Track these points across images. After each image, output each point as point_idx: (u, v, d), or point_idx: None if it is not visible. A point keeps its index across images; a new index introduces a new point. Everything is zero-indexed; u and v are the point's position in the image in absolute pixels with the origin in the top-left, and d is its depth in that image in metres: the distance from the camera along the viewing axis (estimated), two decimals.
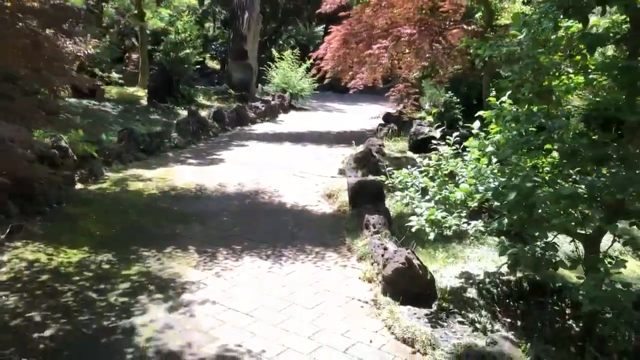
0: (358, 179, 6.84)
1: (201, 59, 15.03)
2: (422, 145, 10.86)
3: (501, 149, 4.07)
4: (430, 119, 11.57)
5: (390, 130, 11.57)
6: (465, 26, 8.18)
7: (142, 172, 8.58)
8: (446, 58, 7.61)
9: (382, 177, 5.93)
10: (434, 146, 5.65)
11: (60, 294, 4.43)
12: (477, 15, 11.14)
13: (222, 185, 8.06)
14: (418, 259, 4.53)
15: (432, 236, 4.25)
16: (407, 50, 8.93)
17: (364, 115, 17.75)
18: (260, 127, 14.00)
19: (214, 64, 31.71)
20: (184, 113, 13.11)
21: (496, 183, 4.09)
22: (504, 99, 4.37)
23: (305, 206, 7.25)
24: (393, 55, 8.03)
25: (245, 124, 14.05)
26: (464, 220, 4.29)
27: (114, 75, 15.58)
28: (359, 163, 8.26)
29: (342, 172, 9.02)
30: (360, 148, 10.91)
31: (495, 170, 4.16)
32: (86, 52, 8.41)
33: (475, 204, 4.34)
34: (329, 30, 9.56)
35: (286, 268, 5.14)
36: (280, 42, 33.43)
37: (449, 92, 11.57)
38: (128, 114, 12.47)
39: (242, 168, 9.24)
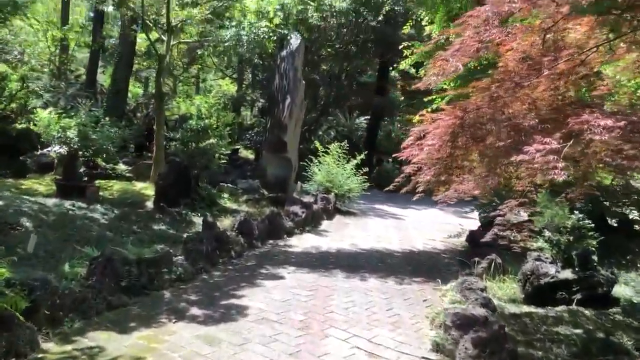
0: None
1: (229, 152, 11.93)
2: (546, 293, 7.20)
3: None
4: (547, 246, 7.95)
5: (492, 265, 7.96)
6: None
7: (108, 339, 5.11)
8: None
9: None
10: None
11: None
12: None
13: None
14: None
15: None
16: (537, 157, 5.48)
17: (427, 225, 14.28)
18: (300, 242, 10.56)
19: (247, 154, 29.22)
20: (200, 222, 9.84)
21: None
22: None
23: None
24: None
25: (280, 236, 10.67)
26: None
27: (121, 166, 12.62)
28: (483, 349, 4.64)
29: (439, 348, 5.40)
30: (451, 291, 7.34)
31: None
32: None
33: None
34: (419, 119, 6.27)
35: None
36: (320, 132, 30.81)
37: (575, 211, 8.03)
38: (123, 223, 9.24)
39: (273, 331, 5.69)
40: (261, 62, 22.65)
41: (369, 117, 30.76)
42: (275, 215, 10.89)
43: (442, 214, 17.09)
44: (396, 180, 5.82)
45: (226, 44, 10.46)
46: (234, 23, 10.55)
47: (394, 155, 6.05)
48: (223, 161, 12.21)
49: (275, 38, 10.21)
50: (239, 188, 13.68)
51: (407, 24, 11.89)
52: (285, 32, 10.14)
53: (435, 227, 14.00)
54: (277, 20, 10.03)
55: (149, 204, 10.74)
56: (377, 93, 26.97)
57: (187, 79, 32.63)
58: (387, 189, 6.54)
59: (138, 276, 6.76)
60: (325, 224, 12.81)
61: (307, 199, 15.07)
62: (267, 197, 12.70)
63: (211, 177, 13.23)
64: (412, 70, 31.77)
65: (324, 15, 9.42)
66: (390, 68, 28.62)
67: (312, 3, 9.67)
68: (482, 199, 7.68)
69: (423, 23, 11.77)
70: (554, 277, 7.21)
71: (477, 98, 5.23)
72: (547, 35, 4.99)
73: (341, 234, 11.82)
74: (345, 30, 24.69)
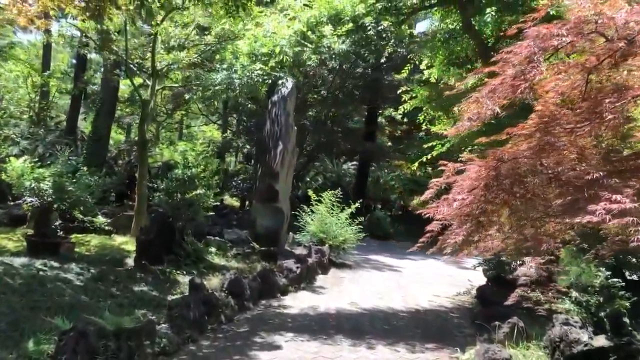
0: None
1: (217, 203, 11.11)
2: None
3: None
4: (574, 308, 7.17)
5: (514, 329, 7.14)
6: None
7: None
8: None
9: None
10: None
11: None
12: None
13: None
14: None
15: None
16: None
17: (428, 278, 13.46)
18: (296, 302, 9.66)
19: (232, 201, 28.42)
20: (186, 281, 8.94)
21: None
22: None
23: None
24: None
25: (273, 295, 9.77)
26: None
27: (100, 219, 11.71)
28: None
29: None
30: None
31: None
32: None
33: None
34: (438, 168, 5.55)
35: None
36: (308, 179, 30.18)
37: (601, 268, 7.33)
38: (100, 284, 8.29)
39: None
40: (248, 107, 22.14)
41: (356, 162, 30.25)
42: (267, 272, 10.02)
43: (442, 264, 16.33)
44: (420, 240, 5.05)
45: (216, 88, 9.78)
46: (225, 66, 9.89)
47: (418, 212, 5.28)
48: (210, 213, 11.37)
49: (269, 81, 9.56)
50: (227, 240, 12.81)
51: (406, 67, 11.37)
52: (281, 74, 9.50)
53: (437, 281, 13.19)
54: (273, 62, 9.38)
55: (130, 261, 9.81)
56: (365, 138, 26.53)
57: (170, 125, 32.02)
58: (410, 250, 5.77)
59: (116, 351, 5.81)
60: (320, 279, 11.93)
61: (298, 250, 14.24)
62: (257, 250, 11.82)
63: (197, 229, 12.34)
64: (399, 117, 31.67)
65: (323, 58, 8.88)
66: (379, 112, 28.38)
67: (309, 45, 9.10)
68: (508, 256, 6.95)
69: (422, 67, 11.30)
70: (588, 345, 6.41)
71: (515, 146, 4.56)
72: (591, 76, 4.38)
73: (339, 291, 10.95)
74: (332, 76, 24.43)
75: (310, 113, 24.24)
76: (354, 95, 23.94)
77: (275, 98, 13.08)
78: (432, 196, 5.42)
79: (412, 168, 12.84)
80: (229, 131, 29.17)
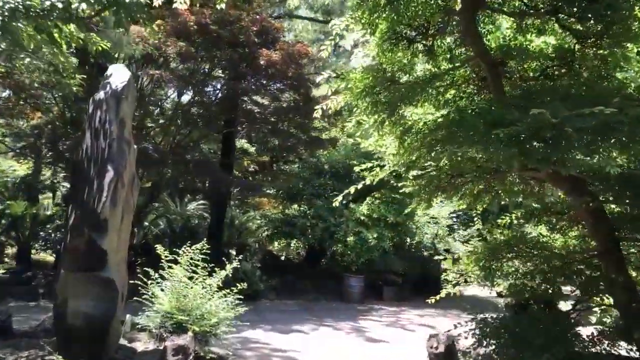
0: None
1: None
2: None
3: None
4: None
5: None
6: None
7: None
8: None
9: None
10: None
11: None
12: None
13: None
14: None
15: None
16: None
17: None
18: None
19: (45, 256, 21.61)
20: None
21: None
22: None
23: None
24: None
25: None
26: None
27: None
28: None
29: None
30: None
31: None
32: None
33: None
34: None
35: None
36: (146, 223, 24.13)
37: None
38: None
39: None
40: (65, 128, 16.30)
41: (203, 202, 25.03)
42: None
43: (342, 336, 12.16)
44: None
45: None
46: None
47: None
48: None
49: (87, 14, 4.30)
50: (13, 341, 7.19)
51: (329, 40, 7.04)
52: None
53: None
54: None
55: None
56: (221, 170, 21.50)
57: None
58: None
59: None
60: None
61: (142, 345, 9.00)
62: None
63: None
64: (252, 149, 27.16)
65: None
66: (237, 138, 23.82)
67: None
68: None
69: (347, 45, 7.10)
70: None
71: None
72: None
73: None
74: (175, 89, 19.49)
75: (153, 140, 18.87)
76: (206, 116, 19.11)
77: (100, 95, 7.84)
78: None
79: (335, 204, 8.49)
80: (43, 163, 22.42)
